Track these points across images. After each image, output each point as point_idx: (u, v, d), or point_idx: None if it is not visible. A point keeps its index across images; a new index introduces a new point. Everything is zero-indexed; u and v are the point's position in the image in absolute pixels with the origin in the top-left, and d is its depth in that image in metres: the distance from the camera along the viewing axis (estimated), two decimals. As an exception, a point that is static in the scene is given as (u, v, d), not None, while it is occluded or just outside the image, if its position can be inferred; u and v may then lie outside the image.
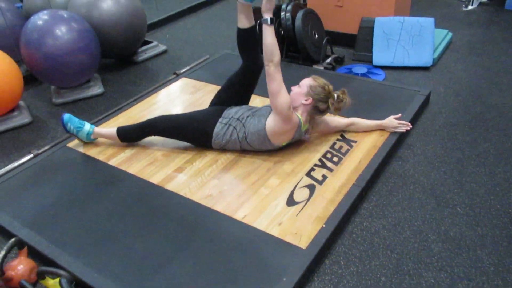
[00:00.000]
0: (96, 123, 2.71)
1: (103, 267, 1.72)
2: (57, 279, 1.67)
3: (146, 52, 3.90)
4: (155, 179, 2.18)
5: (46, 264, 1.79)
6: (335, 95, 2.21)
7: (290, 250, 1.73)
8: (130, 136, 2.42)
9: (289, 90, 2.15)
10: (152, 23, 4.50)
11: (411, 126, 2.44)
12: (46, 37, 2.95)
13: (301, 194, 2.01)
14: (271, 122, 2.13)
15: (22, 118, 2.98)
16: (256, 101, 2.80)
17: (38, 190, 2.18)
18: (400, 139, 2.42)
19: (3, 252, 1.68)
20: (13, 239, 1.75)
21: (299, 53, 3.36)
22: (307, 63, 3.35)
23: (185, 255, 1.75)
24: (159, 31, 4.56)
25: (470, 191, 2.12)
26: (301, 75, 3.10)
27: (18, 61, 3.12)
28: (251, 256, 1.72)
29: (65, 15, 3.09)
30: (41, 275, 1.71)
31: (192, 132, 2.31)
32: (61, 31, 2.98)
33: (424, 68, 3.31)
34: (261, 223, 1.86)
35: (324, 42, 3.37)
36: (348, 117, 2.44)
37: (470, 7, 4.47)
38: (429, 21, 3.31)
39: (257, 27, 2.30)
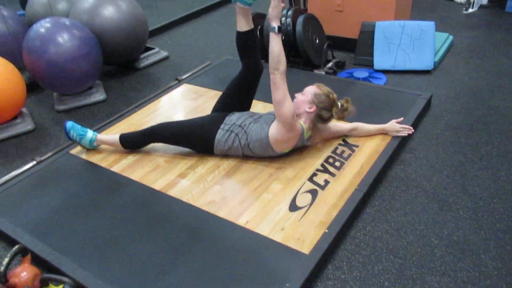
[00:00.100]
0: (99, 130, 2.72)
1: (106, 274, 1.72)
2: (61, 286, 1.67)
3: (148, 59, 3.91)
4: (157, 185, 2.19)
5: (50, 271, 1.80)
6: (339, 103, 2.21)
7: (293, 255, 1.73)
8: (133, 143, 2.43)
9: (292, 97, 2.14)
10: (153, 29, 4.52)
11: (413, 130, 2.44)
12: (48, 45, 2.97)
13: (303, 199, 2.01)
14: (274, 130, 2.13)
15: (25, 125, 3.00)
16: (258, 106, 2.80)
17: (41, 197, 2.19)
18: (402, 143, 2.42)
19: (6, 259, 1.68)
20: (16, 246, 1.76)
21: (300, 58, 3.37)
22: (308, 68, 3.36)
23: (188, 261, 1.75)
24: (161, 37, 4.58)
25: (473, 194, 2.11)
26: (302, 80, 3.12)
27: (21, 68, 3.13)
28: (254, 261, 1.72)
29: (67, 23, 3.11)
30: (44, 282, 1.71)
31: (194, 139, 2.32)
32: (63, 38, 3.00)
33: (425, 72, 3.32)
34: (264, 229, 1.86)
35: (325, 46, 3.38)
36: (350, 122, 2.45)
37: (470, 10, 4.47)
38: (429, 24, 3.32)
39: (257, 32, 2.31)
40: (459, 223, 1.95)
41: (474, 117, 2.72)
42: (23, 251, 1.79)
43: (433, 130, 2.62)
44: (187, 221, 1.96)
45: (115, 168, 2.34)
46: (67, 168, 2.41)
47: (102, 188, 2.22)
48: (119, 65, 3.83)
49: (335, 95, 2.21)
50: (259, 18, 3.55)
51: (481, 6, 4.54)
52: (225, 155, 2.34)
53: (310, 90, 2.21)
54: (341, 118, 2.24)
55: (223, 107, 2.40)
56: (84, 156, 2.48)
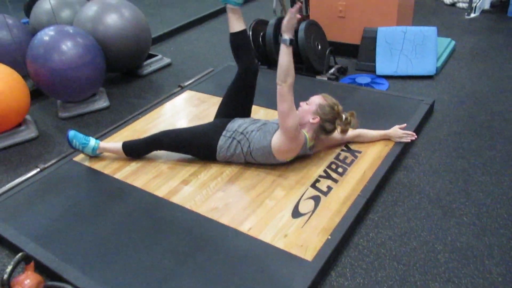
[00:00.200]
0: (102, 137, 2.73)
1: (109, 281, 1.72)
2: (64, 294, 1.67)
3: (151, 66, 3.93)
4: (160, 192, 2.19)
5: (53, 279, 1.80)
6: (344, 116, 2.19)
7: (296, 262, 1.72)
8: (136, 151, 2.43)
9: (297, 105, 2.11)
10: (156, 36, 4.54)
11: (416, 136, 2.44)
12: (52, 52, 2.99)
13: (306, 206, 2.01)
14: (277, 140, 2.13)
15: (28, 132, 3.01)
16: (260, 113, 2.81)
17: (44, 205, 2.20)
18: (405, 148, 2.42)
19: (10, 267, 1.68)
20: (20, 254, 1.76)
21: (302, 64, 3.37)
22: (310, 74, 3.37)
23: (191, 268, 1.75)
24: (164, 44, 4.60)
25: (477, 200, 2.10)
26: (305, 86, 3.13)
27: (25, 76, 3.16)
28: (257, 268, 1.72)
29: (70, 31, 3.14)
30: (48, 290, 1.72)
31: (197, 146, 2.32)
32: (67, 46, 3.02)
33: (428, 77, 3.32)
34: (267, 235, 1.86)
35: (327, 52, 3.38)
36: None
37: (472, 15, 4.48)
38: (431, 30, 3.33)
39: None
40: (463, 229, 1.95)
41: (477, 122, 2.71)
42: (27, 259, 1.79)
43: (436, 135, 2.61)
44: (190, 228, 1.96)
45: (118, 175, 2.35)
46: (70, 175, 2.42)
47: (105, 195, 2.23)
48: (122, 72, 3.85)
49: (340, 107, 2.19)
50: (261, 25, 3.57)
51: (483, 11, 4.54)
52: (228, 162, 2.34)
53: (315, 100, 2.20)
54: (344, 131, 2.24)
55: (224, 113, 2.42)
56: (87, 163, 2.49)
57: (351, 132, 2.40)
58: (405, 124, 2.44)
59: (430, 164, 2.37)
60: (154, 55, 4.04)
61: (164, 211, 2.08)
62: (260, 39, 3.53)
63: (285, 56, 1.94)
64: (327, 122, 2.18)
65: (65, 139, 2.49)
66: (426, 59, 3.31)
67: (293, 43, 1.96)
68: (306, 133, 2.18)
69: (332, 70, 3.40)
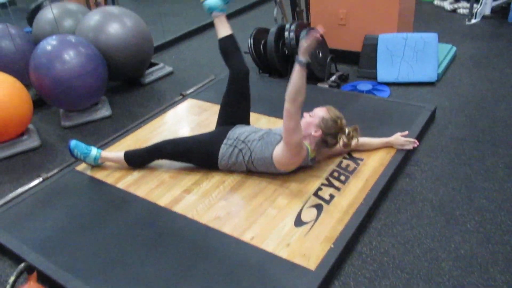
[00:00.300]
0: (104, 146, 2.74)
1: (112, 292, 1.72)
2: (66, 305, 1.67)
3: (153, 74, 3.95)
4: (163, 201, 2.19)
5: (56, 290, 1.80)
6: (347, 130, 2.18)
7: (298, 271, 1.72)
8: (138, 161, 2.44)
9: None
10: (158, 45, 4.56)
11: (418, 143, 2.43)
12: (55, 62, 3.01)
13: (308, 214, 2.01)
14: (279, 152, 2.12)
15: (31, 141, 3.02)
16: (262, 121, 2.82)
17: (47, 214, 2.20)
18: (407, 156, 2.41)
19: (12, 278, 1.68)
20: (22, 264, 1.76)
21: (303, 71, 3.38)
22: (312, 81, 3.37)
23: (194, 278, 1.74)
24: (165, 53, 4.62)
25: (480, 207, 2.10)
26: (306, 94, 3.12)
27: (28, 85, 3.17)
28: (260, 278, 1.71)
29: (73, 40, 3.16)
30: (50, 301, 1.71)
31: (199, 154, 2.33)
32: (69, 55, 3.04)
33: (429, 84, 3.32)
34: (269, 245, 1.85)
35: (328, 60, 3.39)
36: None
37: (473, 21, 4.49)
38: (432, 36, 3.33)
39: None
40: (466, 236, 1.94)
41: (479, 128, 2.71)
42: (29, 269, 1.79)
43: (438, 142, 2.61)
44: (192, 237, 1.96)
45: (121, 185, 2.35)
46: (73, 185, 2.42)
47: (107, 205, 2.23)
48: (124, 81, 3.86)
49: (343, 121, 2.17)
50: (262, 33, 3.58)
51: (484, 17, 4.55)
52: (230, 171, 2.34)
53: (319, 113, 2.18)
54: (346, 146, 2.23)
55: (224, 120, 2.44)
56: (89, 172, 2.49)
57: (353, 126, 2.37)
58: (407, 132, 2.44)
59: (433, 171, 2.36)
60: (156, 64, 4.06)
61: (166, 221, 2.08)
62: (262, 47, 3.55)
63: (298, 76, 1.89)
64: (329, 136, 2.16)
65: (67, 149, 2.49)
66: (427, 65, 3.31)
67: (309, 65, 1.93)
68: (308, 145, 2.18)
69: (333, 78, 3.41)
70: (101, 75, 3.20)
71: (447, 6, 4.91)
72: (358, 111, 2.85)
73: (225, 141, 2.28)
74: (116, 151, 2.58)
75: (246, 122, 2.48)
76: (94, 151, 2.47)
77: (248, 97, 2.45)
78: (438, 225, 2.01)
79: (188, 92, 3.41)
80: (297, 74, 1.89)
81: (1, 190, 2.55)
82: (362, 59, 3.52)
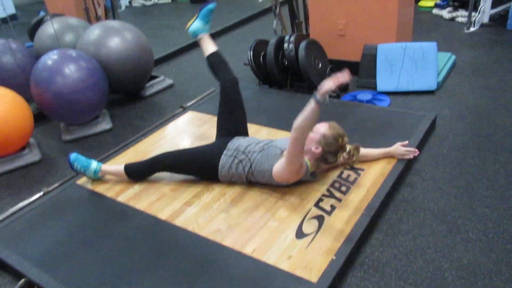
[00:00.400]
0: (105, 159, 2.74)
1: (112, 307, 1.71)
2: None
3: (153, 87, 3.97)
4: (163, 215, 2.19)
5: (56, 305, 1.79)
6: (348, 148, 2.15)
7: (300, 284, 1.70)
8: (138, 173, 2.44)
9: None
10: (158, 58, 4.59)
11: (418, 152, 2.43)
12: (56, 76, 3.03)
13: (310, 226, 2.00)
14: (279, 168, 2.11)
15: (32, 156, 3.03)
16: (262, 132, 2.82)
17: (47, 229, 2.19)
18: (407, 165, 2.41)
19: (13, 294, 1.68)
20: (22, 280, 1.76)
21: (303, 82, 3.39)
22: (311, 92, 3.36)
23: (195, 292, 1.73)
24: (166, 65, 4.65)
25: (482, 215, 2.08)
26: (307, 104, 3.13)
27: (29, 99, 3.19)
28: (261, 291, 1.70)
29: (73, 54, 3.18)
30: (50, 317, 1.70)
31: (199, 165, 2.33)
32: (70, 69, 3.06)
33: (429, 92, 3.32)
34: (271, 257, 1.84)
35: (327, 70, 3.40)
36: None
37: (472, 29, 4.50)
38: (431, 45, 3.34)
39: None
40: (469, 245, 1.92)
41: (480, 136, 2.70)
42: (30, 285, 1.79)
43: (439, 150, 2.60)
44: (193, 251, 1.94)
45: (121, 198, 2.35)
46: (73, 199, 2.42)
47: (108, 219, 2.22)
48: (125, 94, 3.88)
49: (345, 139, 2.13)
50: (262, 45, 3.60)
51: (483, 25, 4.56)
52: (230, 183, 2.33)
53: (320, 129, 2.14)
54: (345, 164, 2.21)
55: (222, 130, 2.46)
56: (90, 186, 2.49)
57: (354, 145, 2.37)
58: (407, 142, 2.43)
59: (434, 180, 2.35)
60: (157, 77, 4.08)
61: (167, 234, 2.07)
62: (261, 58, 3.57)
63: (311, 112, 1.85)
64: (329, 153, 2.14)
65: (67, 162, 2.50)
66: (426, 74, 3.32)
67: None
68: (308, 161, 2.16)
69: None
70: (101, 89, 3.22)
71: (446, 14, 4.94)
72: (358, 121, 2.85)
73: (225, 151, 2.28)
74: (116, 164, 2.58)
75: (244, 130, 2.49)
76: (94, 164, 2.47)
77: (241, 104, 2.48)
78: (440, 235, 1.99)
79: (188, 104, 3.42)
80: (311, 110, 1.84)
81: (1, 205, 2.55)
82: (362, 69, 3.53)
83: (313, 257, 1.82)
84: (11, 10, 6.69)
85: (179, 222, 2.12)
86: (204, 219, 2.12)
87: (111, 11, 4.79)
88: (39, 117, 3.46)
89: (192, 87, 3.97)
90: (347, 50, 3.66)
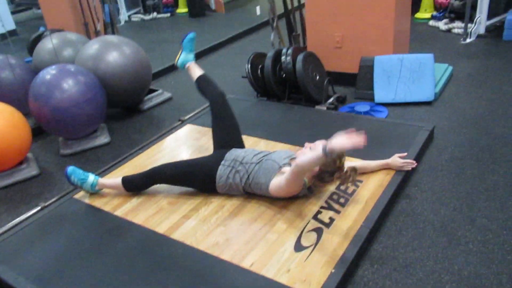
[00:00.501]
0: (103, 173, 2.73)
1: (109, 323, 1.68)
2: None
3: (152, 100, 3.98)
4: (161, 228, 2.17)
5: (52, 322, 1.76)
6: (345, 168, 2.12)
7: (299, 298, 1.68)
8: (136, 186, 2.43)
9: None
10: (157, 71, 4.61)
11: (416, 164, 2.42)
12: (54, 91, 3.04)
13: (308, 239, 1.98)
14: (276, 184, 2.10)
15: (30, 170, 3.02)
16: (260, 144, 2.82)
17: (44, 244, 2.18)
18: (406, 176, 2.40)
19: (8, 311, 1.66)
20: (19, 297, 1.74)
21: (301, 94, 3.40)
22: (309, 104, 3.39)
23: (193, 307, 1.71)
24: (164, 79, 4.66)
25: (482, 226, 2.07)
26: (305, 116, 3.15)
27: (27, 114, 3.19)
28: (260, 305, 1.68)
29: (72, 69, 3.19)
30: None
31: (196, 177, 2.32)
32: (68, 84, 3.07)
33: (427, 103, 3.33)
34: (269, 271, 1.82)
35: (325, 82, 3.41)
36: (353, 155, 2.44)
37: (468, 40, 4.53)
38: (428, 57, 3.36)
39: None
40: (469, 257, 1.90)
41: (478, 146, 2.70)
42: (25, 302, 1.77)
43: (437, 161, 2.59)
44: (191, 265, 1.93)
45: (119, 212, 2.33)
46: (71, 213, 2.40)
47: (105, 233, 2.21)
48: (123, 108, 3.89)
49: (343, 161, 2.11)
50: (260, 58, 3.62)
51: (479, 36, 4.60)
52: (228, 195, 2.32)
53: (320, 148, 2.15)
54: (341, 183, 2.18)
55: (218, 143, 2.49)
56: (87, 200, 2.48)
57: (352, 166, 2.35)
58: (406, 153, 2.43)
59: (433, 191, 2.34)
60: (155, 90, 4.09)
61: (164, 249, 2.05)
62: (259, 71, 3.58)
63: (315, 160, 1.84)
64: (327, 173, 2.11)
65: (64, 175, 2.49)
66: (424, 85, 3.33)
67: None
68: (305, 177, 2.14)
69: (331, 100, 3.42)
70: (100, 103, 3.23)
71: (442, 26, 4.98)
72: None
73: (222, 162, 2.29)
74: (113, 178, 2.57)
75: (239, 141, 2.51)
76: (91, 177, 2.46)
77: (232, 116, 2.54)
78: (440, 246, 1.98)
79: (186, 117, 3.42)
80: (317, 158, 1.82)
81: (-1, 220, 2.54)
82: (359, 81, 3.54)
83: (312, 270, 1.80)
84: (11, 25, 6.75)
85: (177, 236, 2.11)
86: (202, 233, 2.10)
87: (110, 26, 4.83)
88: (38, 132, 3.46)
89: (191, 100, 3.97)
90: (344, 62, 3.68)
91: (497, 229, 2.04)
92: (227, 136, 2.49)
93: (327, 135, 1.77)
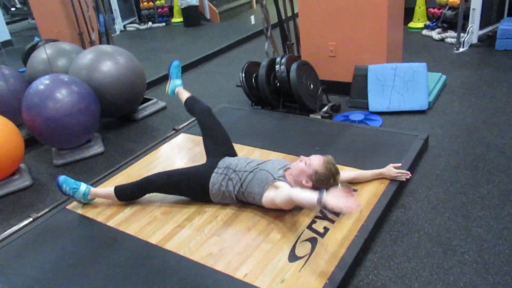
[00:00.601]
0: (96, 183, 2.70)
1: (100, 337, 1.65)
2: None
3: (146, 109, 3.96)
4: (154, 239, 2.15)
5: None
6: (339, 185, 2.13)
7: (293, 309, 1.66)
8: (128, 195, 2.41)
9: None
10: (151, 81, 4.61)
11: (410, 175, 2.40)
12: (47, 101, 3.02)
13: (303, 249, 1.96)
14: (269, 198, 2.09)
15: (22, 181, 2.99)
16: (255, 153, 2.81)
17: (36, 256, 2.15)
18: (401, 185, 2.39)
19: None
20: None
21: (295, 103, 3.40)
22: (304, 112, 3.39)
23: (185, 320, 1.68)
24: (158, 88, 4.66)
25: (477, 236, 2.06)
26: (299, 125, 3.14)
27: (20, 124, 3.17)
28: (254, 317, 1.66)
29: (65, 79, 3.18)
30: None
31: (190, 185, 2.31)
32: (62, 94, 3.05)
33: (421, 112, 3.34)
34: (263, 282, 1.80)
35: (319, 91, 3.42)
36: (347, 164, 2.43)
37: (461, 49, 4.57)
38: (421, 66, 3.38)
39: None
40: (465, 267, 1.89)
41: (473, 155, 2.70)
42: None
43: (432, 170, 2.59)
44: (185, 276, 1.90)
45: (111, 223, 2.31)
46: (63, 224, 2.37)
47: (98, 244, 2.18)
48: (117, 117, 3.87)
49: (337, 179, 2.12)
50: (254, 66, 3.63)
51: (472, 45, 4.63)
52: (222, 205, 2.30)
53: (314, 164, 2.10)
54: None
55: (210, 152, 2.51)
56: (80, 211, 2.45)
57: (347, 175, 2.35)
58: (400, 164, 2.41)
59: (428, 200, 2.34)
60: (149, 99, 4.08)
61: (157, 259, 2.02)
62: (253, 80, 3.58)
63: (308, 203, 1.88)
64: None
65: (56, 185, 2.46)
66: (417, 94, 3.34)
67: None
68: None
69: (325, 108, 3.43)
70: (93, 112, 3.21)
71: (435, 35, 5.02)
72: (351, 141, 2.85)
73: (216, 170, 2.28)
74: (106, 187, 2.55)
75: (230, 147, 2.54)
76: (83, 186, 2.44)
77: (220, 125, 2.62)
78: (435, 257, 1.96)
79: (181, 126, 3.41)
80: (309, 204, 1.95)
81: (-10, 232, 2.51)
82: (353, 90, 3.55)
83: (306, 280, 1.78)
84: (6, 36, 6.74)
85: (171, 246, 2.09)
86: (196, 243, 2.08)
87: (105, 36, 4.83)
88: (31, 142, 3.43)
89: (185, 110, 3.96)
90: (338, 71, 3.69)
91: (492, 239, 2.03)
92: (217, 144, 2.51)
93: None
